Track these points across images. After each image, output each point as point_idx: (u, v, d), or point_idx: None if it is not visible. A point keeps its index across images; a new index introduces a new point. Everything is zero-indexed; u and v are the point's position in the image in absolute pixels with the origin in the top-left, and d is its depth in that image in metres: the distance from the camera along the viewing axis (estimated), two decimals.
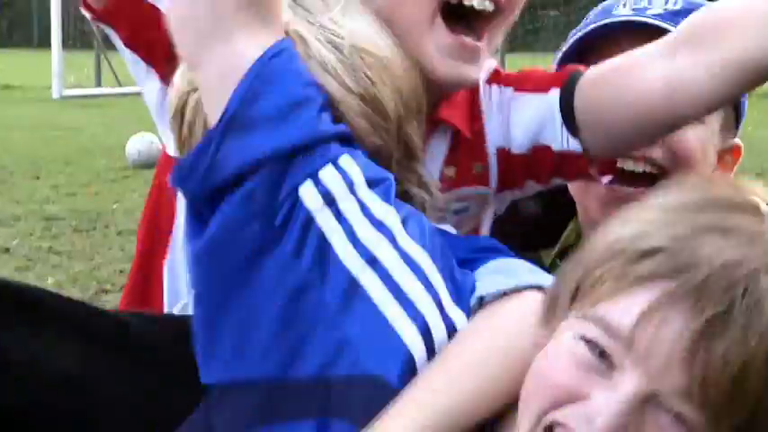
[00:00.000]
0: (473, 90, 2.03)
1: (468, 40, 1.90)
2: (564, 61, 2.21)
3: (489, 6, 1.90)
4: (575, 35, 2.26)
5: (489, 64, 2.06)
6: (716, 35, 1.81)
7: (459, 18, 1.90)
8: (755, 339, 1.27)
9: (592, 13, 2.33)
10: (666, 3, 2.22)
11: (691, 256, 1.30)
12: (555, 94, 1.95)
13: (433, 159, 1.94)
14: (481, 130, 2.02)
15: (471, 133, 2.00)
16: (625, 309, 1.30)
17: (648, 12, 2.21)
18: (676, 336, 1.28)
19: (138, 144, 12.59)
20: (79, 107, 16.21)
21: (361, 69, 1.69)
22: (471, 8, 1.90)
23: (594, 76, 1.96)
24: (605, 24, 2.20)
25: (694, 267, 1.29)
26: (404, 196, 1.70)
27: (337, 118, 1.64)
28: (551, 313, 1.41)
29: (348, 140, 1.61)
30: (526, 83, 2.03)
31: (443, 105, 1.98)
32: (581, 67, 2.00)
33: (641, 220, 1.38)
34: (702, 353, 1.27)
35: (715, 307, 1.27)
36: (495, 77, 2.06)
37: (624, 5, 2.25)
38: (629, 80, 1.88)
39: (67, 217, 9.17)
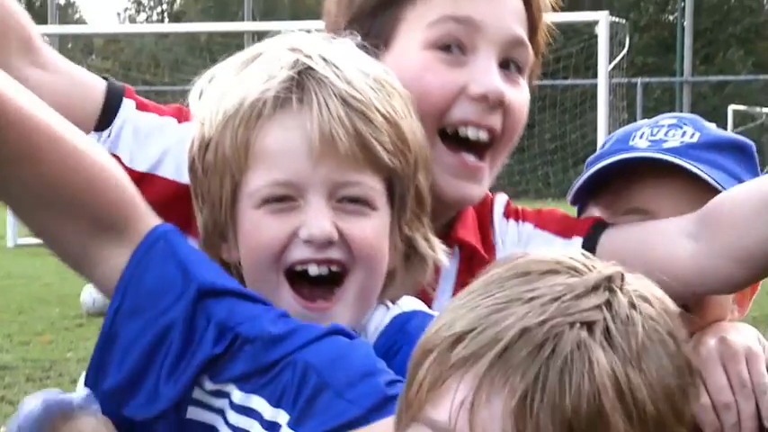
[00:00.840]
0: (485, 218, 2.09)
1: (470, 159, 1.97)
2: (579, 192, 2.22)
3: (484, 137, 1.97)
4: (592, 165, 2.23)
5: (501, 198, 2.12)
6: (722, 224, 1.89)
7: (461, 140, 1.97)
8: (574, 398, 1.23)
9: (608, 141, 2.32)
10: (684, 135, 2.21)
11: (494, 332, 1.28)
12: (577, 243, 2.02)
13: (446, 278, 1.99)
14: (494, 258, 2.05)
15: (487, 257, 2.04)
16: (445, 402, 1.29)
17: (665, 145, 2.19)
18: (494, 420, 1.26)
19: (93, 292, 12.51)
20: (33, 255, 16.18)
21: (387, 94, 1.76)
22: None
23: (618, 239, 2.01)
24: (622, 160, 2.16)
25: (496, 342, 1.27)
26: (411, 252, 1.77)
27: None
28: (398, 423, 1.39)
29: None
30: (547, 223, 2.10)
31: (458, 227, 2.04)
32: (601, 219, 2.07)
33: (449, 311, 1.36)
34: (524, 429, 1.24)
35: (525, 380, 1.25)
36: (514, 213, 2.11)
37: (641, 136, 2.23)
38: (656, 255, 1.93)
39: (20, 366, 9.06)
